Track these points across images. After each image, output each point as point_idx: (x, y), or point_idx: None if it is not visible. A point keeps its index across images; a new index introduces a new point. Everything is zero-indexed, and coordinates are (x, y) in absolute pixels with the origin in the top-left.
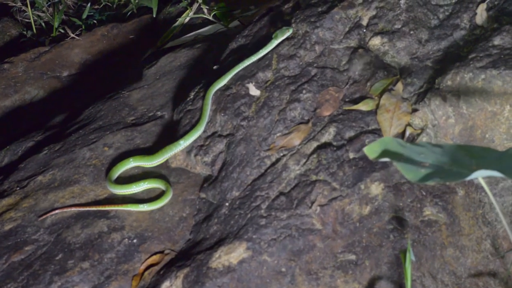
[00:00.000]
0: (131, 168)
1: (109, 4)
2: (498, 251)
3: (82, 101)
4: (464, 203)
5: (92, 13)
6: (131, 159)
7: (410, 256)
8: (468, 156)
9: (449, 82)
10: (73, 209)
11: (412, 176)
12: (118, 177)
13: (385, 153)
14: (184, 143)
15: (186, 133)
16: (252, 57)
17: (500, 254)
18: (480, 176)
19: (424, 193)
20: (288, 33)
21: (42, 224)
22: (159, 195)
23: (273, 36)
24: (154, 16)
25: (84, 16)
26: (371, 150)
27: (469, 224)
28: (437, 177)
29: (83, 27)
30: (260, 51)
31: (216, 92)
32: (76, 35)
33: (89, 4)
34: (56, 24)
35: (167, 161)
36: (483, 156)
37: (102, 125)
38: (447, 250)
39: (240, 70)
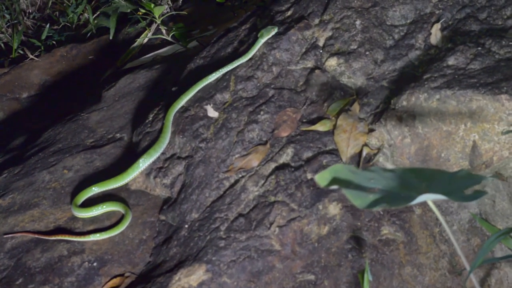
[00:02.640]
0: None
1: (68, 24)
2: (455, 268)
3: (41, 123)
4: (421, 221)
5: (51, 34)
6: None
7: (368, 276)
8: (418, 179)
9: (404, 103)
10: (36, 236)
11: (359, 203)
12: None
13: (335, 180)
14: (156, 155)
15: (147, 150)
16: (241, 58)
17: (457, 272)
18: (425, 199)
19: (381, 213)
20: (273, 31)
21: (1, 249)
22: (120, 219)
23: (258, 35)
24: (111, 38)
25: (43, 37)
26: (322, 178)
27: (426, 243)
28: (384, 203)
29: (42, 48)
30: (248, 52)
31: (174, 114)
32: (36, 56)
33: (48, 25)
34: (15, 45)
35: (127, 183)
36: (434, 178)
37: (62, 148)
38: (405, 268)
39: (199, 91)
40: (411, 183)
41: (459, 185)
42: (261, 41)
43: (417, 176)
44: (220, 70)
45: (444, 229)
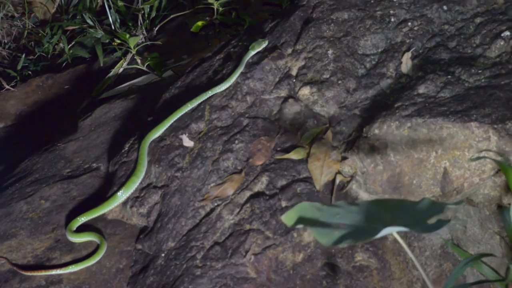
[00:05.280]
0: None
1: (43, 54)
2: None
3: (18, 153)
4: (394, 248)
5: (27, 64)
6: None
7: None
8: (383, 210)
9: (376, 131)
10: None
11: (325, 240)
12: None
13: (301, 219)
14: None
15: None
16: (237, 70)
17: None
18: (389, 232)
19: None
20: (264, 44)
21: None
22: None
23: (250, 47)
24: (101, 65)
25: (19, 67)
26: (288, 217)
27: (399, 268)
28: (350, 238)
29: (18, 78)
30: (240, 63)
31: (150, 143)
32: (11, 86)
33: (23, 55)
34: None
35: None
36: (398, 209)
37: (39, 178)
38: None
39: (174, 121)
40: (376, 216)
41: (423, 215)
42: (252, 52)
43: (382, 208)
44: (221, 84)
45: (417, 255)
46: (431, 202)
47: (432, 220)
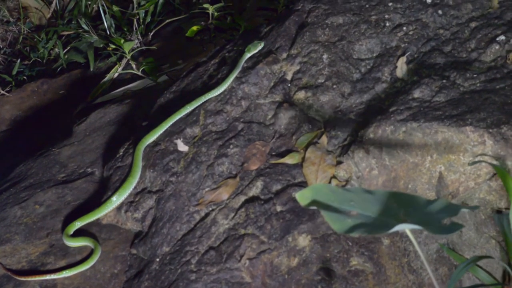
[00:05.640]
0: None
1: (38, 59)
2: None
3: (13, 158)
4: (389, 252)
5: (22, 69)
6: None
7: None
8: (396, 204)
9: (371, 135)
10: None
11: (338, 227)
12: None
13: (315, 201)
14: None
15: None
16: (233, 72)
17: None
18: (403, 229)
19: (350, 244)
20: (260, 46)
21: None
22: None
23: (246, 49)
24: (92, 69)
25: (14, 72)
26: (303, 196)
27: (395, 273)
28: (363, 229)
29: (13, 83)
30: (236, 66)
31: (145, 148)
32: (6, 91)
33: (19, 60)
34: None
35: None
36: (411, 205)
37: (33, 183)
38: None
39: (169, 127)
40: (389, 208)
41: (437, 215)
42: (248, 55)
43: (396, 200)
44: (220, 86)
45: (412, 260)
46: (447, 203)
47: (445, 222)
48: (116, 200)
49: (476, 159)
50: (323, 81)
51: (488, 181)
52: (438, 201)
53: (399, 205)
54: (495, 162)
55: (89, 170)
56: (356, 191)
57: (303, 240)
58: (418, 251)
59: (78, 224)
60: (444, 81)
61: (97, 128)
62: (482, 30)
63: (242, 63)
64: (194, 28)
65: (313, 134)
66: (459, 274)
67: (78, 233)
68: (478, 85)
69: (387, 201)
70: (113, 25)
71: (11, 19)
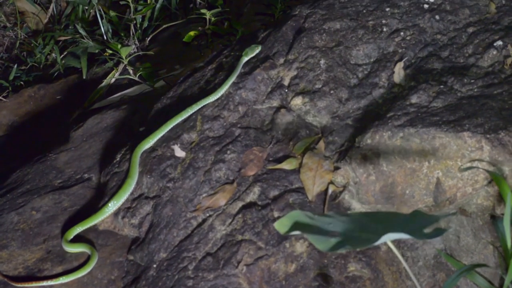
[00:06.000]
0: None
1: (35, 64)
2: None
3: (9, 164)
4: (387, 258)
5: (19, 74)
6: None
7: None
8: (375, 222)
9: (368, 141)
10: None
11: (323, 246)
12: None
13: (295, 226)
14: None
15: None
16: (230, 77)
17: None
18: (387, 239)
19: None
20: (257, 50)
21: None
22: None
23: (243, 53)
24: (84, 77)
25: (11, 78)
26: (281, 225)
27: (392, 279)
28: (347, 245)
29: (10, 88)
30: (233, 73)
31: (142, 154)
32: (3, 96)
33: (15, 65)
34: None
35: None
36: (389, 221)
37: (30, 189)
38: None
39: (166, 132)
40: (368, 226)
41: (418, 224)
42: (245, 59)
43: (373, 219)
44: (217, 91)
45: (410, 266)
46: (422, 214)
47: (427, 230)
48: (115, 204)
49: (472, 165)
50: (320, 86)
51: (486, 186)
52: (414, 213)
53: (377, 223)
54: (491, 168)
55: (86, 176)
56: (333, 215)
57: (301, 246)
58: (402, 262)
59: (78, 229)
60: (442, 86)
61: (94, 133)
62: (479, 35)
63: (240, 67)
64: (191, 33)
65: (311, 140)
66: (453, 282)
67: (76, 239)
68: (475, 90)
69: (364, 220)
70: (110, 30)
71: (8, 24)
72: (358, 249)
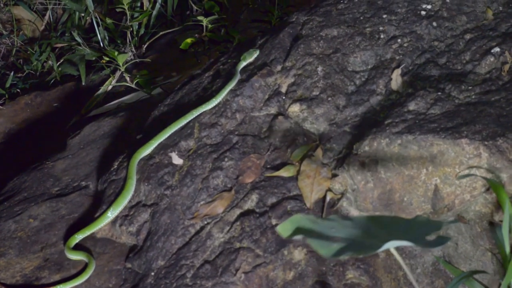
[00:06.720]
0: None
1: (32, 72)
2: None
3: (6, 172)
4: (385, 265)
5: (15, 82)
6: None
7: None
8: (378, 227)
9: (366, 148)
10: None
11: (325, 252)
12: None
13: (297, 230)
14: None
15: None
16: (230, 82)
17: None
18: (391, 246)
19: (346, 257)
20: (255, 54)
21: None
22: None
23: (241, 58)
24: (84, 83)
25: (7, 85)
26: (284, 228)
27: (391, 286)
28: (350, 251)
29: (7, 96)
30: (232, 78)
31: (139, 161)
32: (0, 104)
33: (12, 73)
34: None
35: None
36: (393, 226)
37: (27, 197)
38: None
39: (164, 140)
40: (372, 231)
41: (420, 231)
42: (244, 63)
43: (376, 224)
44: (216, 97)
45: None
46: (427, 220)
47: (430, 237)
48: (114, 211)
49: (470, 172)
50: (317, 93)
51: (484, 193)
52: (418, 218)
53: (380, 227)
54: (489, 175)
55: (83, 183)
56: (335, 219)
57: (299, 254)
58: (405, 270)
59: (79, 237)
60: (439, 93)
61: (91, 141)
62: (477, 42)
63: (238, 72)
64: (188, 40)
65: (308, 147)
66: (453, 287)
67: (74, 247)
68: (473, 97)
69: (368, 225)
70: (107, 38)
71: (4, 32)
72: (361, 256)
